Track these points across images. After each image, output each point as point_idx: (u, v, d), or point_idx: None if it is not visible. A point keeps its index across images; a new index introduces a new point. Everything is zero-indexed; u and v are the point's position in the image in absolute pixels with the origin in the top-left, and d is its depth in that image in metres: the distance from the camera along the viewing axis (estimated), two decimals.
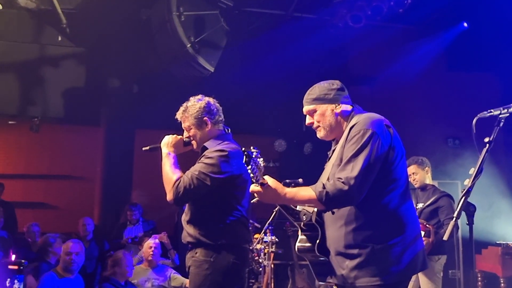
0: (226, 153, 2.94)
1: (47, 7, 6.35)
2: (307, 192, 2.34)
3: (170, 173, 3.04)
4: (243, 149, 2.25)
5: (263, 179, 2.31)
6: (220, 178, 2.91)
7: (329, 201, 2.29)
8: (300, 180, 5.02)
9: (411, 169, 4.79)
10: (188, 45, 6.55)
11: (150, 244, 5.50)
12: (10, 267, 1.73)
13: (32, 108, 8.11)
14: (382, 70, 8.05)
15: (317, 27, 7.55)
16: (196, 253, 2.98)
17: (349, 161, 2.33)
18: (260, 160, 2.27)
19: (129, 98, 8.16)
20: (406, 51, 7.95)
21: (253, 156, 2.23)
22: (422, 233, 4.40)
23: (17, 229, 7.21)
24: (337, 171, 2.36)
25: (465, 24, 7.83)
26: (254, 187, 2.34)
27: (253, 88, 7.65)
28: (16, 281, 1.68)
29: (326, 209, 2.41)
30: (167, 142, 3.18)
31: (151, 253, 5.42)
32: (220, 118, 3.17)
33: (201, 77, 7.14)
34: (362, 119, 2.44)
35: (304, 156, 8.49)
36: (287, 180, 4.55)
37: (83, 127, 8.97)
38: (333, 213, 2.43)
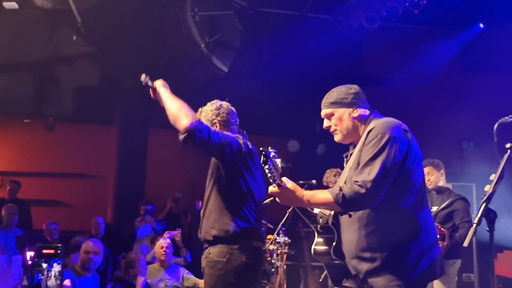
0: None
1: (63, 7, 6.40)
2: (324, 194, 2.35)
3: (178, 103, 2.92)
4: (260, 148, 2.25)
5: (281, 180, 2.31)
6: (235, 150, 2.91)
7: (345, 203, 2.30)
8: (314, 181, 5.03)
9: (426, 170, 4.73)
10: (202, 45, 6.56)
11: (161, 244, 5.51)
12: (45, 251, 1.74)
13: (47, 107, 8.20)
14: (396, 71, 7.99)
15: (331, 28, 7.52)
16: (209, 254, 3.00)
17: (366, 164, 2.33)
18: (278, 161, 2.28)
19: (143, 98, 8.14)
20: (421, 52, 7.88)
21: (271, 156, 2.23)
22: (437, 236, 4.35)
23: (32, 227, 7.28)
24: (354, 174, 2.36)
25: (481, 25, 7.74)
26: (272, 188, 2.35)
27: (267, 88, 7.64)
28: (55, 264, 1.71)
29: (342, 211, 2.42)
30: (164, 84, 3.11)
31: (163, 253, 5.42)
32: (233, 121, 3.17)
33: (215, 77, 7.15)
34: (379, 123, 2.44)
35: (317, 157, 8.46)
36: (301, 181, 4.55)
37: (97, 126, 9.05)
38: (350, 216, 2.43)
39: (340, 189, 2.30)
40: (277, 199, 2.39)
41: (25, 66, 7.38)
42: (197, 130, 2.72)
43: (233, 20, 7.05)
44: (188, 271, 5.51)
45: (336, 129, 2.59)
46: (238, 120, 3.23)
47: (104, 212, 8.11)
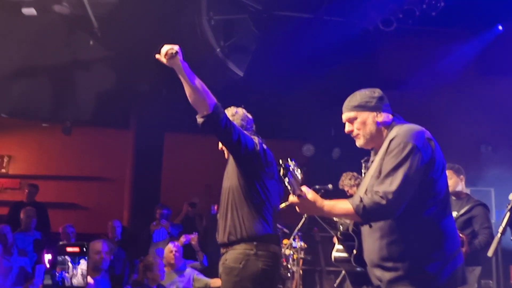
0: None
1: (80, 12, 6.48)
2: (345, 205, 2.33)
3: (199, 84, 2.83)
4: (280, 161, 2.24)
5: (301, 190, 2.30)
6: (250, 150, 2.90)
7: (366, 214, 2.28)
8: (330, 186, 4.99)
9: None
10: (218, 50, 6.57)
11: (170, 248, 5.56)
12: (69, 249, 1.73)
13: (64, 111, 8.30)
14: (413, 74, 7.90)
15: (347, 31, 7.47)
16: (226, 260, 2.99)
17: (388, 175, 2.29)
18: (298, 172, 2.26)
19: (159, 102, 8.25)
20: (439, 55, 7.79)
21: (290, 169, 2.21)
22: None
23: (50, 230, 7.36)
24: (376, 184, 2.33)
25: (500, 27, 7.62)
26: (292, 198, 2.33)
27: (282, 92, 7.63)
28: (82, 261, 1.69)
29: (363, 222, 2.40)
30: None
31: (173, 257, 5.47)
32: (248, 126, 3.17)
33: (230, 81, 7.16)
34: (402, 131, 2.39)
35: (332, 161, 8.41)
36: (317, 186, 4.52)
37: (114, 130, 9.14)
38: (370, 225, 2.41)
39: (361, 200, 2.27)
40: (297, 208, 2.37)
41: (43, 71, 7.47)
42: (216, 115, 2.73)
43: (248, 24, 7.06)
44: (198, 272, 5.53)
45: (358, 134, 2.53)
46: (254, 126, 3.22)
47: (121, 216, 8.17)
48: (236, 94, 7.33)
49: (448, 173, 4.67)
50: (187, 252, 6.22)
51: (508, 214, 1.96)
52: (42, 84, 7.50)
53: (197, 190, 8.49)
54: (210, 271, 6.04)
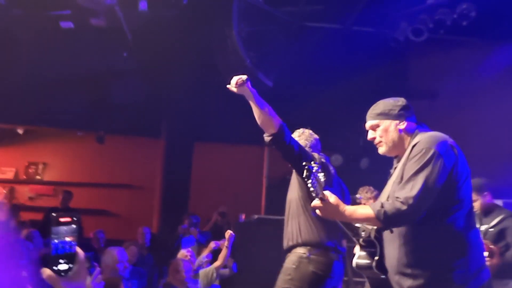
0: None
1: (115, 25, 6.68)
2: (366, 210, 2.35)
3: (267, 108, 3.11)
4: (304, 163, 2.28)
5: (323, 194, 2.33)
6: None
7: (387, 220, 2.28)
8: (358, 195, 4.98)
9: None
10: (248, 61, 6.66)
11: (184, 253, 5.65)
12: (62, 220, 1.73)
13: (98, 120, 8.52)
14: (444, 84, 7.81)
15: (377, 41, 7.46)
16: (285, 263, 3.39)
17: (409, 180, 2.30)
18: (320, 175, 2.30)
19: (189, 112, 8.40)
20: (470, 65, 7.69)
21: (314, 170, 2.26)
22: (486, 253, 4.20)
23: (83, 235, 7.54)
24: (397, 190, 2.34)
25: None
26: (315, 202, 2.36)
27: (311, 102, 7.65)
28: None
29: (383, 227, 2.40)
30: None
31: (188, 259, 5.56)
32: (311, 144, 3.59)
33: (260, 91, 7.23)
34: (425, 138, 2.40)
35: (360, 171, 8.36)
36: None
37: (145, 139, 9.31)
38: (391, 231, 2.41)
39: (382, 206, 2.28)
40: (318, 212, 2.40)
41: (79, 82, 7.70)
42: (281, 135, 3.06)
43: (279, 35, 7.13)
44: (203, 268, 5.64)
45: (381, 141, 2.55)
46: (319, 145, 3.65)
47: (150, 223, 8.30)
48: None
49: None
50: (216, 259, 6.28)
51: None
52: (78, 94, 7.74)
53: (225, 199, 8.56)
54: (239, 277, 6.08)
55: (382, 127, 2.54)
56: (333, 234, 3.36)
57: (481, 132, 7.52)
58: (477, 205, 4.57)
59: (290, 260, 3.31)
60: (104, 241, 6.83)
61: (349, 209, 2.37)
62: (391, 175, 2.60)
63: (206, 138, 8.96)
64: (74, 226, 1.30)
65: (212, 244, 6.07)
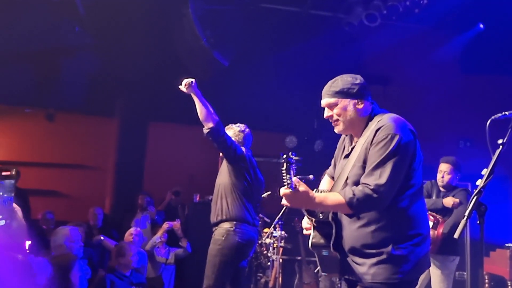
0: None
1: None
2: (336, 197, 2.36)
3: (207, 105, 3.89)
4: (284, 156, 2.26)
5: (298, 182, 2.30)
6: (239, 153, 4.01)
7: (358, 206, 2.32)
8: (311, 176, 5.09)
9: (446, 167, 4.78)
10: (204, 40, 6.59)
11: (131, 231, 5.72)
12: (4, 173, 1.65)
13: (48, 97, 8.23)
14: (396, 70, 8.02)
15: (332, 25, 7.55)
16: (214, 235, 4.04)
17: (377, 166, 2.33)
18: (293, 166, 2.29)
19: (144, 91, 8.24)
20: (421, 52, 7.91)
21: (292, 162, 2.25)
22: (430, 223, 4.42)
23: (30, 216, 7.32)
24: (364, 176, 2.37)
25: (481, 26, 7.77)
26: (284, 191, 2.30)
27: (266, 84, 7.68)
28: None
29: (354, 214, 2.42)
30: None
31: (131, 239, 5.55)
32: (240, 139, 4.23)
33: (216, 72, 7.19)
34: (388, 122, 2.40)
35: (314, 153, 8.51)
36: (299, 176, 4.60)
37: (98, 118, 9.08)
38: (358, 217, 2.45)
39: (353, 193, 2.31)
40: (285, 201, 2.33)
41: (27, 56, 7.40)
42: (217, 129, 3.82)
43: (235, 16, 7.09)
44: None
45: (338, 119, 2.52)
46: (247, 140, 4.26)
47: (102, 203, 8.16)
48: (221, 85, 7.40)
49: (448, 167, 4.75)
50: (172, 240, 6.28)
51: (475, 199, 2.06)
52: (26, 69, 7.43)
53: (179, 179, 8.53)
54: (193, 257, 6.12)
55: (340, 106, 2.50)
56: (253, 212, 4.09)
57: (430, 118, 7.79)
58: (446, 179, 4.75)
59: (219, 233, 3.98)
60: (54, 223, 6.66)
61: (318, 197, 2.35)
62: (347, 154, 2.59)
63: (161, 118, 8.84)
64: (12, 181, 1.28)
65: (165, 225, 6.06)
